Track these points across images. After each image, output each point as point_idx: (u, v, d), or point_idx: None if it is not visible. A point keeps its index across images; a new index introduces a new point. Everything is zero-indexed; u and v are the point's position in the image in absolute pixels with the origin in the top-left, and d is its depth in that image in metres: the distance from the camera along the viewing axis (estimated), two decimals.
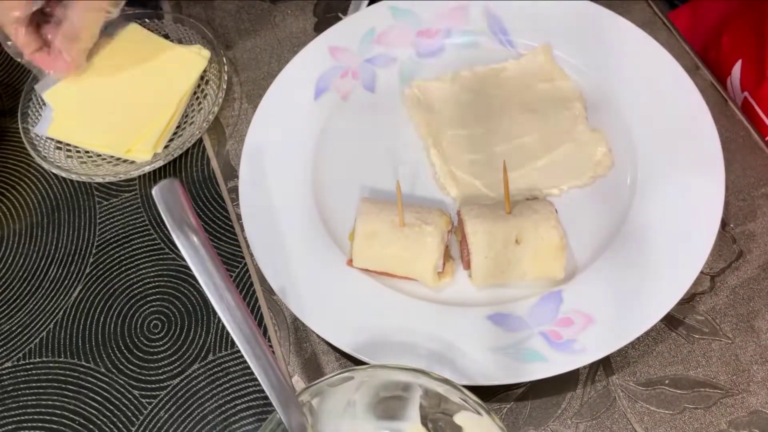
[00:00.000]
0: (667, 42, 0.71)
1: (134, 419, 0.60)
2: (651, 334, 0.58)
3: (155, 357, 0.62)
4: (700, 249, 0.58)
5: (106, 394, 0.62)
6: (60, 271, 0.68)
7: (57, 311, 0.66)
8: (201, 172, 0.72)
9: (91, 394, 0.62)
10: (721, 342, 0.58)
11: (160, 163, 0.70)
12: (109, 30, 0.77)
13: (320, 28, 0.80)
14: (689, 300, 0.60)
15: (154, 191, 0.41)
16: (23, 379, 0.63)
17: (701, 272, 0.58)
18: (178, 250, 0.65)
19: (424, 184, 0.67)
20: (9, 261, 0.69)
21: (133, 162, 0.71)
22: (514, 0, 0.73)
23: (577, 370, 0.56)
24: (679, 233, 0.60)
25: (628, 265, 0.59)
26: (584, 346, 0.55)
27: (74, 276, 0.67)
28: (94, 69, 0.76)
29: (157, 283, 0.66)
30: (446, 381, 0.47)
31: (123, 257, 0.68)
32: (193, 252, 0.43)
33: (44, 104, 0.75)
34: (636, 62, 0.69)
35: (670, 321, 0.59)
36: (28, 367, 0.63)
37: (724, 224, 0.63)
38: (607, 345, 0.55)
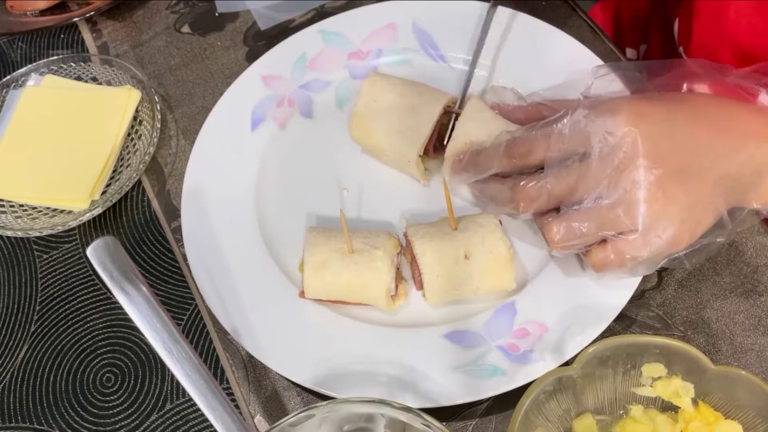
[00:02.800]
0: (593, 42, 0.73)
1: None
2: (606, 335, 0.59)
3: (111, 412, 0.61)
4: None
5: None
6: (3, 332, 0.66)
7: (4, 374, 0.63)
8: (142, 214, 0.71)
9: None
10: (674, 336, 0.59)
11: (98, 210, 0.68)
12: (28, 84, 0.76)
13: (252, 56, 0.79)
14: (639, 297, 0.61)
15: (89, 252, 0.40)
16: None
17: None
18: None
19: (370, 207, 0.67)
20: None
21: (70, 212, 0.69)
22: (441, 15, 0.74)
23: None
24: None
25: (577, 270, 0.60)
26: (542, 355, 0.55)
27: (19, 336, 0.65)
28: (22, 123, 0.74)
29: (106, 335, 0.64)
30: (408, 409, 0.46)
31: (69, 311, 0.66)
32: (136, 308, 0.42)
33: None
34: (563, 65, 0.69)
35: (624, 320, 0.60)
36: None
37: None
38: (564, 352, 0.55)
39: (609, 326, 0.56)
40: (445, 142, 0.64)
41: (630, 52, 0.88)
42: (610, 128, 0.51)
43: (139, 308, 0.41)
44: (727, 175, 0.52)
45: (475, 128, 0.62)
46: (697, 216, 0.52)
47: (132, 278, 0.42)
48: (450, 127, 0.64)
